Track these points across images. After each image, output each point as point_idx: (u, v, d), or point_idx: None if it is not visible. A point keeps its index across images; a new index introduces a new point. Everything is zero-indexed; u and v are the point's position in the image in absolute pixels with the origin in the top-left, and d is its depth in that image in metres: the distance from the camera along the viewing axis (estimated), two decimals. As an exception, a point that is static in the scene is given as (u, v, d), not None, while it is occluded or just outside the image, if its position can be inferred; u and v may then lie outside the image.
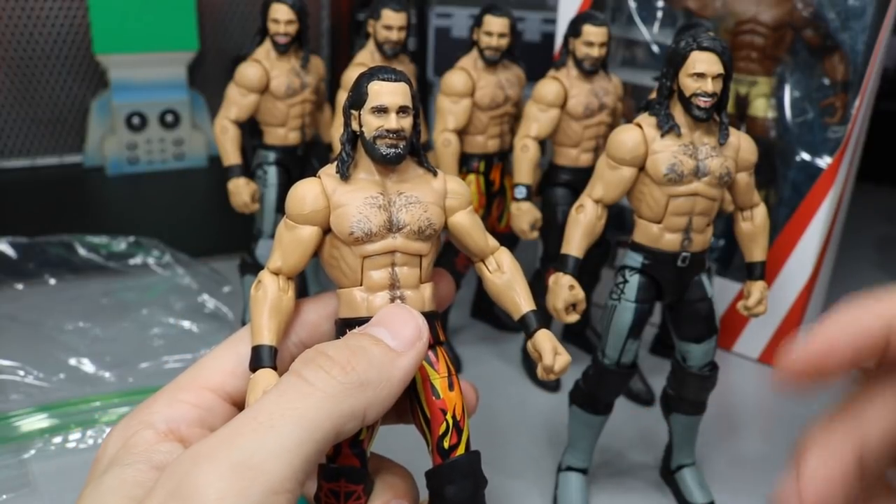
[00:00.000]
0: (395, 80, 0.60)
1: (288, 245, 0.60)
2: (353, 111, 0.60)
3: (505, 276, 0.66)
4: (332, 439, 0.48)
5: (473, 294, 1.50)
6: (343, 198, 0.59)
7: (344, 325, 0.61)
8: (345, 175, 0.60)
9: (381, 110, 0.59)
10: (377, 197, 0.59)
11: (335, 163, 0.61)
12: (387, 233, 0.59)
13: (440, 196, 0.62)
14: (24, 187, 2.09)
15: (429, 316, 0.61)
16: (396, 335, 0.54)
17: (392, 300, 0.60)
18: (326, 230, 0.61)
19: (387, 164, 0.60)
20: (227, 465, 0.44)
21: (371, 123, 0.59)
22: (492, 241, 0.67)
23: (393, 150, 0.59)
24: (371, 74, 0.60)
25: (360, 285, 0.60)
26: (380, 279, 0.60)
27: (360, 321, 0.59)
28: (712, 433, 1.18)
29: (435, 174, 0.63)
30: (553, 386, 1.29)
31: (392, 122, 0.59)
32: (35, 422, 1.07)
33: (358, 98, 0.60)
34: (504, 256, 0.67)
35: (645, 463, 1.13)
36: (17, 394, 1.17)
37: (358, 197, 0.59)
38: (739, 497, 1.07)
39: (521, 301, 0.66)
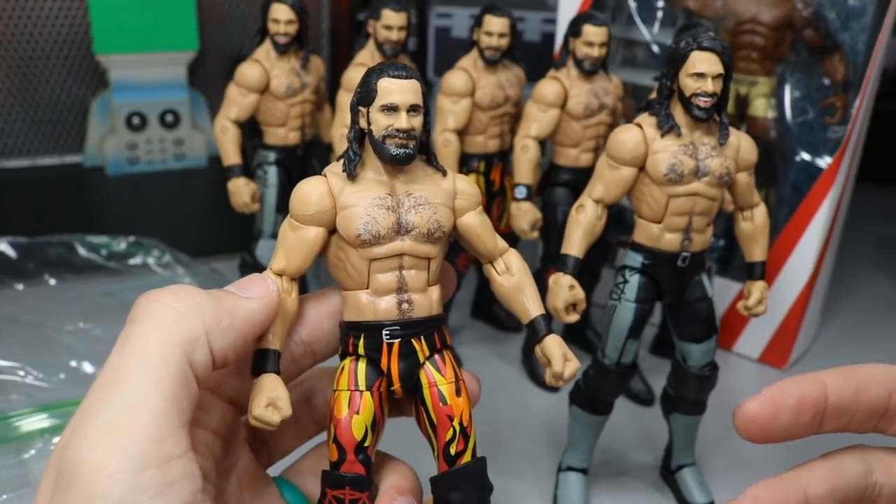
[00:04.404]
0: (406, 78, 0.57)
1: (292, 246, 0.58)
2: (361, 108, 0.58)
3: (514, 278, 0.64)
4: (187, 368, 0.48)
5: (473, 294, 1.50)
6: (350, 198, 0.57)
7: (350, 329, 0.59)
8: (352, 174, 0.58)
9: (392, 109, 0.57)
10: (385, 198, 0.58)
11: (341, 161, 0.59)
12: (395, 235, 0.57)
13: (449, 196, 0.60)
14: (24, 187, 2.09)
15: (436, 320, 0.60)
16: (244, 289, 0.55)
17: (399, 304, 0.58)
18: (332, 231, 0.59)
19: (396, 164, 0.58)
20: (96, 435, 0.43)
21: (380, 122, 0.57)
22: (501, 243, 0.65)
23: (403, 150, 0.57)
24: (381, 71, 0.58)
25: (367, 288, 0.58)
26: (387, 282, 0.58)
27: (367, 325, 0.58)
28: (712, 433, 1.18)
29: (444, 174, 0.61)
30: (553, 386, 1.29)
31: (402, 121, 0.57)
32: (35, 422, 1.07)
33: (366, 95, 0.58)
34: (513, 258, 0.65)
35: (645, 463, 1.13)
36: (17, 394, 1.17)
37: (366, 198, 0.57)
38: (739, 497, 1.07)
39: (530, 305, 0.64)
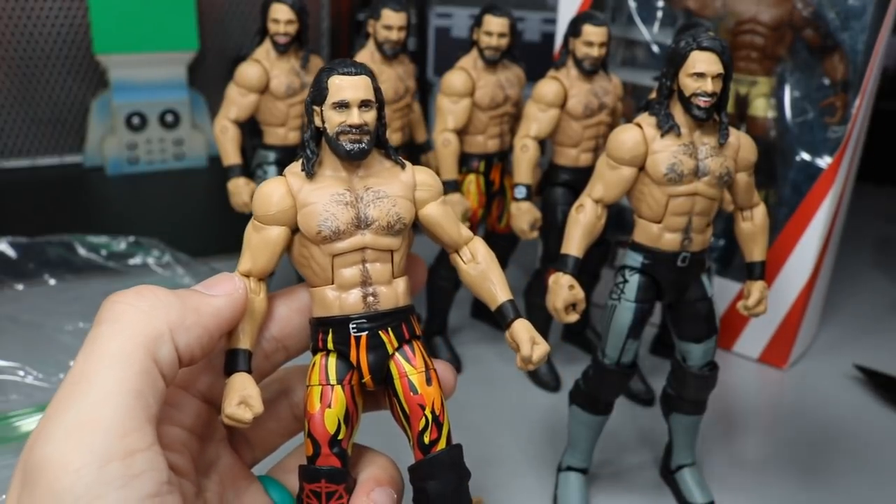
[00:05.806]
0: (356, 74, 0.59)
1: (256, 246, 0.60)
2: (315, 107, 0.60)
3: (479, 266, 0.65)
4: (152, 366, 0.48)
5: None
6: (309, 196, 0.59)
7: (318, 325, 0.60)
8: (310, 173, 0.59)
9: (343, 105, 0.58)
10: (343, 194, 0.59)
11: (300, 160, 0.61)
12: (355, 230, 0.59)
13: (409, 189, 0.61)
14: (24, 187, 2.09)
15: (403, 311, 0.61)
16: (210, 288, 0.56)
17: (364, 297, 0.60)
18: (294, 229, 0.60)
19: (351, 160, 0.59)
20: (61, 433, 0.44)
21: (333, 119, 0.58)
22: (465, 232, 0.66)
23: (357, 145, 0.58)
24: (331, 69, 0.59)
25: (332, 283, 0.60)
26: (351, 277, 0.59)
27: (335, 320, 0.59)
28: (712, 433, 1.18)
29: (403, 166, 0.62)
30: (553, 386, 1.29)
31: (354, 117, 0.58)
32: (35, 422, 1.07)
33: (319, 94, 0.59)
34: (478, 246, 0.66)
35: (645, 463, 1.13)
36: (17, 394, 1.17)
37: (324, 195, 0.59)
38: (739, 497, 1.07)
39: (497, 291, 0.65)
